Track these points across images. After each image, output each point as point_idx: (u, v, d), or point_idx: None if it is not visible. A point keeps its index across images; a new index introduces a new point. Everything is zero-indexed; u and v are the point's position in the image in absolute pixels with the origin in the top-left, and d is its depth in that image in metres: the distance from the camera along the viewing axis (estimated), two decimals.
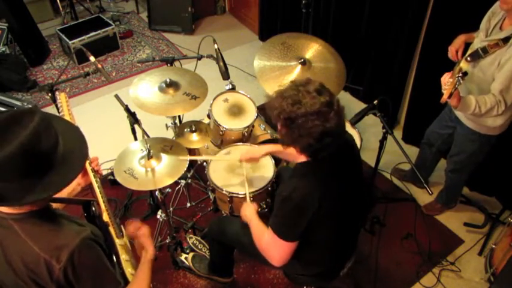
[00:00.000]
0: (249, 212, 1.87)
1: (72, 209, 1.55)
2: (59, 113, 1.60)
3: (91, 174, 1.52)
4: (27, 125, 1.07)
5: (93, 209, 1.39)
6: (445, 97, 1.83)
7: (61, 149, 1.16)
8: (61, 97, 1.63)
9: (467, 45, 2.24)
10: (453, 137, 2.47)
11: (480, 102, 1.96)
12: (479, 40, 2.09)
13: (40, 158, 1.10)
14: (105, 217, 1.45)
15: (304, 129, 1.43)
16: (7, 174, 1.07)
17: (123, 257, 1.45)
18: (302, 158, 1.60)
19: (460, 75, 1.81)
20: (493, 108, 1.97)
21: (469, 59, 2.07)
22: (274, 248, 1.66)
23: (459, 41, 2.24)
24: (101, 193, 1.49)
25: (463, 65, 2.13)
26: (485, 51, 1.99)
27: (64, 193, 1.57)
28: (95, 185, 1.50)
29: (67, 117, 1.56)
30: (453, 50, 2.24)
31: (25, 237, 1.17)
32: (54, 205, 1.39)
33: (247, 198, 2.11)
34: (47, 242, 1.17)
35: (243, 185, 2.19)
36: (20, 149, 1.04)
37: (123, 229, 1.55)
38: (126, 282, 1.43)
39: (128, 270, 1.46)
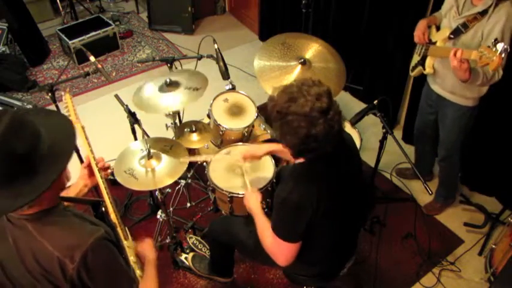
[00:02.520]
0: (253, 203, 1.86)
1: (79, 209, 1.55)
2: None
3: (98, 176, 1.51)
4: None
5: (103, 209, 1.39)
6: (498, 62, 1.81)
7: (45, 145, 1.12)
8: (66, 97, 1.63)
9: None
10: (438, 120, 2.51)
11: (485, 70, 2.02)
12: (450, 19, 2.18)
13: (18, 160, 1.06)
14: (113, 218, 1.45)
15: (291, 127, 1.43)
16: None
17: (131, 258, 1.45)
18: (299, 159, 1.60)
19: (493, 42, 1.83)
20: (494, 74, 2.05)
21: (451, 36, 2.16)
22: (277, 249, 1.67)
23: (423, 24, 2.32)
24: (107, 194, 1.48)
25: (441, 43, 2.21)
26: (465, 26, 2.09)
27: (71, 194, 1.57)
28: (102, 186, 1.49)
29: (72, 118, 1.56)
30: (420, 34, 2.31)
31: (38, 236, 1.17)
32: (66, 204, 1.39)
33: (248, 185, 2.09)
34: (60, 241, 1.17)
35: (243, 184, 2.20)
36: None
37: (128, 232, 1.55)
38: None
39: (137, 272, 1.46)
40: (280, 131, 1.48)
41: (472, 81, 2.03)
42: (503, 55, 1.81)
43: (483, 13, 2.03)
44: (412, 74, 2.46)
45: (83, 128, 1.57)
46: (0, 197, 1.07)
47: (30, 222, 1.18)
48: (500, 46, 1.81)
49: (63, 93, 1.67)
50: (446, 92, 2.34)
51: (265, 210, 2.27)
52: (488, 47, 1.84)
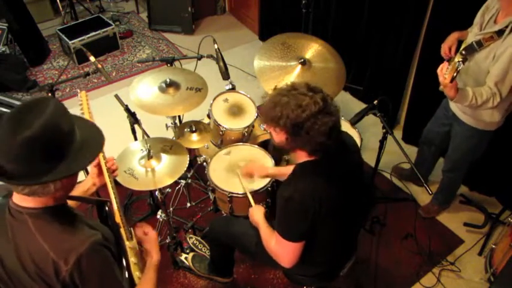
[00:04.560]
0: (257, 216, 1.88)
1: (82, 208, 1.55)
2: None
3: (106, 175, 1.51)
4: (44, 109, 1.12)
5: (107, 209, 1.40)
6: (447, 80, 1.83)
7: (78, 135, 1.20)
8: (81, 95, 1.62)
9: (460, 42, 2.25)
10: (450, 134, 2.47)
11: (477, 94, 1.97)
12: (473, 34, 2.11)
13: (61, 138, 1.14)
14: (117, 219, 1.45)
15: (314, 130, 1.43)
16: (30, 156, 1.09)
17: (132, 259, 1.45)
18: (301, 159, 1.60)
19: (461, 59, 1.80)
20: (489, 100, 1.98)
21: (463, 52, 2.08)
22: (281, 249, 1.67)
23: (452, 38, 2.26)
24: (114, 194, 1.48)
25: (458, 59, 2.14)
26: (480, 44, 2.01)
27: (79, 192, 1.58)
28: (109, 186, 1.50)
29: (86, 115, 1.56)
30: (446, 47, 2.26)
31: (36, 234, 1.18)
32: (70, 203, 1.39)
33: (251, 202, 2.11)
34: (57, 242, 1.18)
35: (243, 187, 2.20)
36: (42, 130, 1.08)
37: (133, 232, 1.55)
38: (133, 285, 1.43)
39: (136, 273, 1.45)
40: (302, 141, 1.48)
41: (458, 100, 1.97)
42: (454, 75, 1.79)
43: (499, 33, 1.94)
44: (440, 89, 2.39)
45: None
46: (31, 171, 1.11)
47: (32, 218, 1.19)
48: (458, 65, 1.77)
49: (78, 90, 1.67)
50: (459, 110, 2.30)
51: (265, 210, 2.28)
52: (458, 62, 1.79)
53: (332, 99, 1.51)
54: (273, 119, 1.49)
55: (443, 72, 1.88)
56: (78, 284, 1.19)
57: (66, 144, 1.15)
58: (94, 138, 1.25)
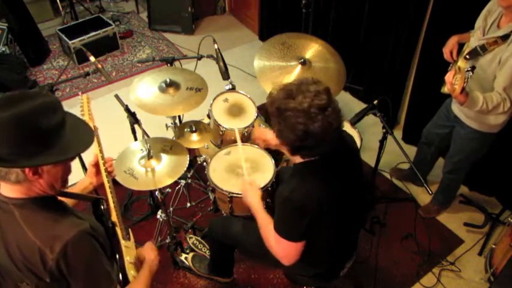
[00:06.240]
0: (253, 199, 1.85)
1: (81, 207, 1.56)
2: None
3: (104, 175, 1.53)
4: (29, 101, 1.12)
5: (102, 207, 1.40)
6: (458, 91, 1.83)
7: (67, 134, 1.18)
8: (83, 98, 1.64)
9: (461, 45, 2.25)
10: (451, 136, 2.47)
11: (487, 99, 1.96)
12: (476, 39, 2.10)
13: (36, 132, 1.12)
14: (114, 217, 1.46)
15: (289, 123, 1.43)
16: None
17: (127, 258, 1.45)
18: (300, 159, 1.60)
19: (469, 68, 1.79)
20: (499, 105, 1.98)
21: (467, 57, 2.08)
22: (281, 249, 1.67)
23: (452, 41, 2.26)
24: (111, 193, 1.50)
25: (462, 63, 2.13)
26: (484, 49, 2.00)
27: (76, 191, 1.59)
28: (107, 185, 1.52)
29: (86, 117, 1.57)
30: (447, 51, 2.26)
31: (22, 224, 1.18)
32: (66, 201, 1.39)
33: (245, 175, 2.09)
34: (43, 231, 1.18)
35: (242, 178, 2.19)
36: (11, 119, 1.08)
37: (130, 232, 1.55)
38: (127, 283, 1.43)
39: (131, 272, 1.46)
40: (278, 127, 1.48)
41: (468, 105, 1.95)
42: (464, 85, 1.78)
43: (504, 38, 1.93)
44: (441, 90, 2.34)
45: (95, 128, 1.60)
46: (13, 153, 1.10)
47: (18, 208, 1.19)
48: (467, 74, 1.76)
49: (80, 92, 1.69)
50: (462, 113, 2.29)
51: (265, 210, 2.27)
52: (467, 72, 1.78)
53: (332, 116, 1.43)
54: (269, 95, 1.52)
55: (451, 80, 1.87)
56: (65, 273, 1.19)
57: (42, 138, 1.13)
58: (81, 142, 1.22)
